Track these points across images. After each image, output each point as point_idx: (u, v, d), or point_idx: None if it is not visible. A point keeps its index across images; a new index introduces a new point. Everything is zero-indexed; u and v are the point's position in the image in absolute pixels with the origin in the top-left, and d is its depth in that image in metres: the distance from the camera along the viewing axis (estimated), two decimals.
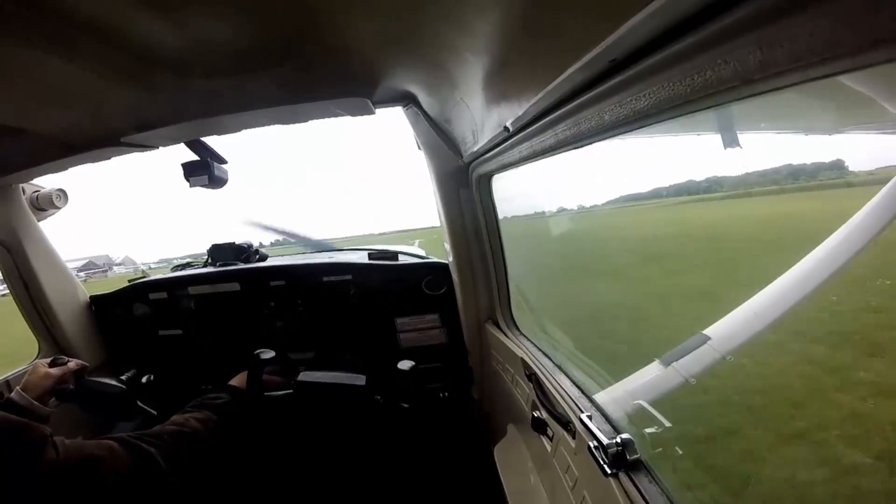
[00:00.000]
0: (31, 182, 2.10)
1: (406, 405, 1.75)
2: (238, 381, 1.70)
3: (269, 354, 1.69)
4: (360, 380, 1.67)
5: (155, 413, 1.79)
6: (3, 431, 1.02)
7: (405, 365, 1.71)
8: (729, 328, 1.54)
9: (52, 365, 1.61)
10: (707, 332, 1.53)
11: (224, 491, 2.19)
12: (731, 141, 0.92)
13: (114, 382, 1.73)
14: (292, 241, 3.57)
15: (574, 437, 1.23)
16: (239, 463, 2.29)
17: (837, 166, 1.71)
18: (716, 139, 0.92)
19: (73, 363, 1.65)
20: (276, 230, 3.53)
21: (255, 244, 2.65)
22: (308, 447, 2.41)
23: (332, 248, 3.18)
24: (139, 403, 1.76)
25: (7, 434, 1.03)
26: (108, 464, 1.12)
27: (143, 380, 1.85)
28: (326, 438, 2.39)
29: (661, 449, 1.10)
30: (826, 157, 1.80)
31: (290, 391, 1.71)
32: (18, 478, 1.00)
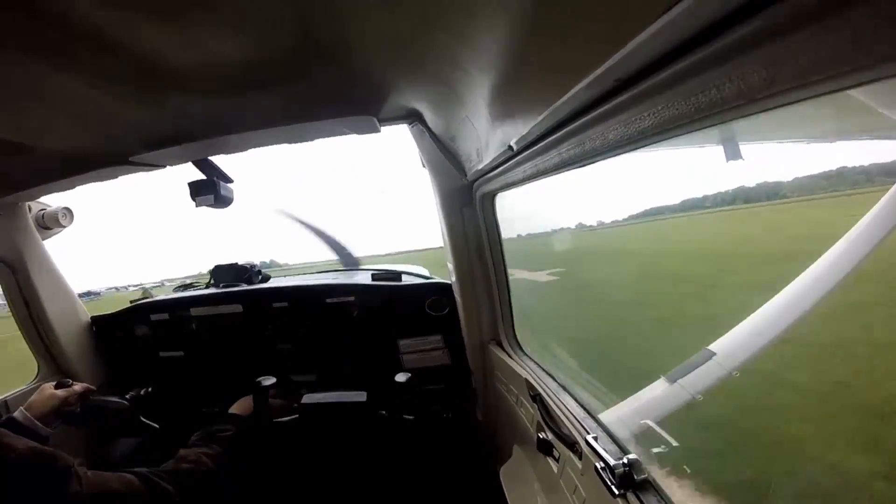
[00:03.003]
0: (38, 200, 2.12)
1: (410, 417, 1.77)
2: (239, 407, 1.71)
3: (270, 381, 1.72)
4: (361, 396, 1.71)
5: (157, 427, 1.82)
6: (32, 463, 1.05)
7: (402, 377, 1.76)
8: (734, 343, 1.53)
9: (57, 387, 1.62)
10: (712, 347, 1.52)
11: None
12: (733, 154, 0.93)
13: (117, 399, 1.76)
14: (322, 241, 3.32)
15: (580, 459, 1.21)
16: (249, 489, 2.26)
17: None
18: (718, 151, 0.93)
19: (78, 386, 1.67)
20: (309, 226, 3.29)
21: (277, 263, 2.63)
22: (316, 467, 2.37)
23: (356, 261, 3.12)
24: (142, 419, 1.79)
25: (36, 465, 1.06)
26: (127, 498, 1.16)
27: (142, 392, 1.88)
28: (334, 457, 2.36)
29: (668, 468, 1.09)
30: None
31: (297, 416, 1.72)
32: None
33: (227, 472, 1.45)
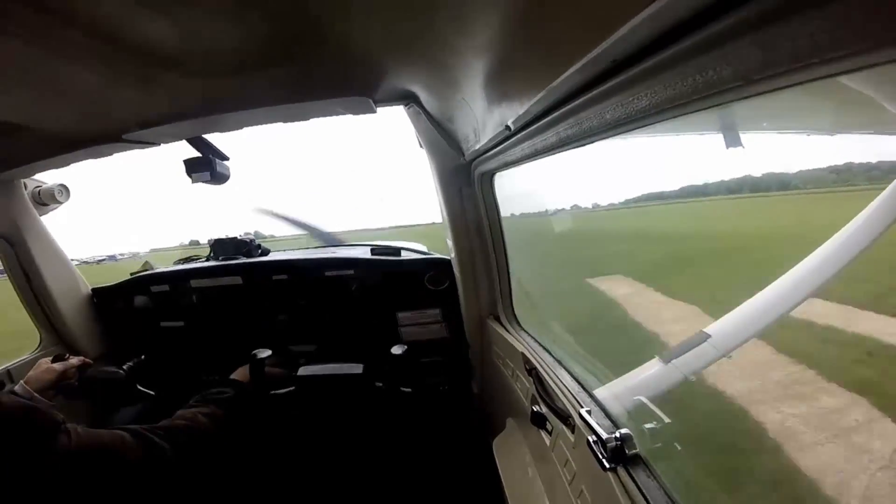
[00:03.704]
0: (33, 177, 2.12)
1: (408, 389, 1.79)
2: (239, 374, 1.73)
3: (265, 353, 1.73)
4: (357, 368, 1.73)
5: (153, 394, 1.85)
6: (16, 417, 1.04)
7: (398, 349, 1.78)
8: (730, 327, 1.54)
9: (54, 361, 1.64)
10: (708, 329, 1.53)
11: (230, 481, 2.21)
12: (733, 140, 0.92)
13: (114, 369, 1.79)
14: (302, 230, 3.43)
15: (573, 432, 1.24)
16: (245, 455, 2.32)
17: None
18: (718, 138, 0.92)
19: (74, 359, 1.69)
20: (287, 219, 3.37)
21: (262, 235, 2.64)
22: (312, 438, 2.43)
23: (339, 241, 3.14)
24: (139, 387, 1.82)
25: (21, 419, 1.05)
26: (119, 453, 1.15)
27: (134, 361, 1.92)
28: (330, 428, 2.41)
29: (659, 444, 1.10)
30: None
31: (293, 388, 1.74)
32: (31, 462, 1.02)
33: (224, 433, 1.45)
